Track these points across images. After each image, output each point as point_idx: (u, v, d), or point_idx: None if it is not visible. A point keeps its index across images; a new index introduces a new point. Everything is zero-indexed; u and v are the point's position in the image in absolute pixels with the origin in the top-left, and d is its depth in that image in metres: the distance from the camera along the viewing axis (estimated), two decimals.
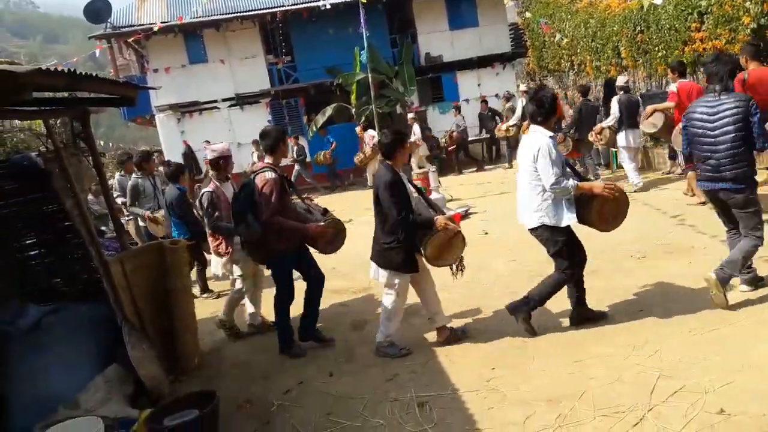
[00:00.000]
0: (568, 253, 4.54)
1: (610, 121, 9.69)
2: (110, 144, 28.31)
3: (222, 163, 5.66)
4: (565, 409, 3.49)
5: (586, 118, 10.21)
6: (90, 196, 10.60)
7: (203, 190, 5.76)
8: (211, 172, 5.83)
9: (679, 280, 5.22)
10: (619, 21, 11.89)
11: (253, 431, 3.92)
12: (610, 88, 11.94)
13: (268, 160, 4.96)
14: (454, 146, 15.68)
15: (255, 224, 4.77)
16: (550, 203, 4.40)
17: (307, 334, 5.15)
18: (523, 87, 14.23)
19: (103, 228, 9.85)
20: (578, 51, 14.25)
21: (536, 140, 4.41)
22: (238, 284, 5.63)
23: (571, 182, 4.36)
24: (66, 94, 4.66)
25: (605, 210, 4.49)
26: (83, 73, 3.83)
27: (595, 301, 5.07)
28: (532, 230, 4.58)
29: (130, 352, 4.16)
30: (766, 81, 5.80)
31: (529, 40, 18.33)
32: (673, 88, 7.86)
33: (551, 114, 4.48)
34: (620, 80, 9.97)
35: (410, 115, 15.21)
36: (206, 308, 6.83)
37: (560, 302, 4.80)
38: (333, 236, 5.10)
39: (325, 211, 5.19)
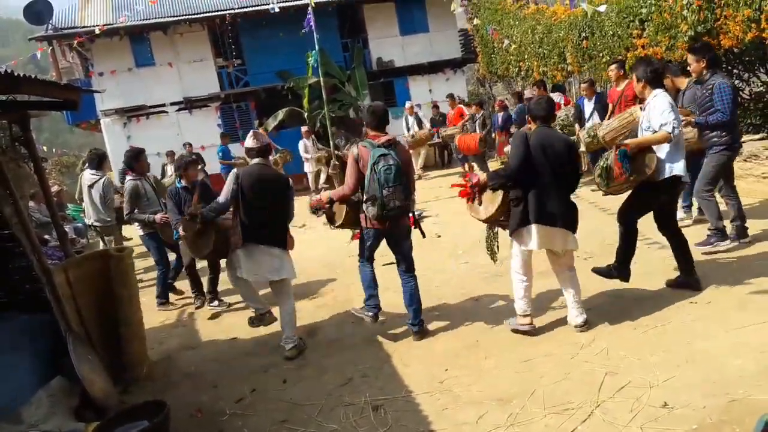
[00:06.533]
0: None
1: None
2: (53, 150, 27.39)
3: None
4: (516, 408, 3.55)
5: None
6: (31, 203, 10.23)
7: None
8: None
9: None
10: (564, 27, 12.18)
11: None
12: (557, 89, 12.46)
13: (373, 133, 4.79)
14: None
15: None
16: None
17: None
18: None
19: (46, 236, 9.51)
20: (526, 57, 14.51)
21: None
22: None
23: None
24: (4, 98, 4.48)
25: None
26: (21, 75, 3.70)
27: (543, 301, 5.19)
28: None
29: (76, 363, 4.03)
30: None
31: (479, 46, 18.57)
32: None
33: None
34: (528, 93, 10.50)
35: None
36: (155, 317, 6.67)
37: (510, 301, 4.88)
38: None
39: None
